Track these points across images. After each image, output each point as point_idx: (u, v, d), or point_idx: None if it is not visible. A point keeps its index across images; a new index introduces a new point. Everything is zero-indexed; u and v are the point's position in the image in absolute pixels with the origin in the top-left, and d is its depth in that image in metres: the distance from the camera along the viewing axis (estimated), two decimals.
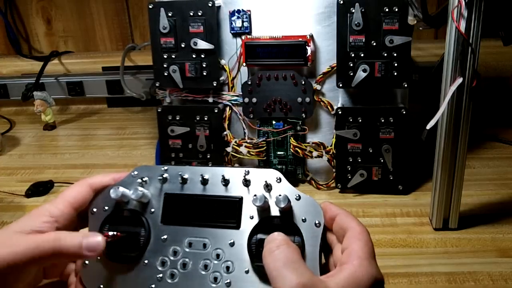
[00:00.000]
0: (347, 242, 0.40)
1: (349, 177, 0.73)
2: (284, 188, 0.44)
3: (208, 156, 0.78)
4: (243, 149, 0.75)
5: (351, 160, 0.72)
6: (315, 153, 0.74)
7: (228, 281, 0.42)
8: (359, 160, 0.72)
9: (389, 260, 0.59)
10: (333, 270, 0.39)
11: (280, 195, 0.42)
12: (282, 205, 0.42)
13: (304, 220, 0.42)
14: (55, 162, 0.92)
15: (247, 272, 0.42)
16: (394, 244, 0.62)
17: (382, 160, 0.71)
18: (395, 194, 0.73)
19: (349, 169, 0.73)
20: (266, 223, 0.43)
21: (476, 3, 0.53)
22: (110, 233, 0.43)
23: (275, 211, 0.43)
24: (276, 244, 0.38)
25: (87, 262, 0.45)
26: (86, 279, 0.45)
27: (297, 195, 0.43)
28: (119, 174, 0.48)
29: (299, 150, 0.74)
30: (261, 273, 0.41)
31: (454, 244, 0.61)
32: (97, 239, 0.42)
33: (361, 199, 0.73)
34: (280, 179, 0.44)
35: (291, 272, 0.36)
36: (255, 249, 0.42)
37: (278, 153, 0.77)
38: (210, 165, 0.76)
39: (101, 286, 0.45)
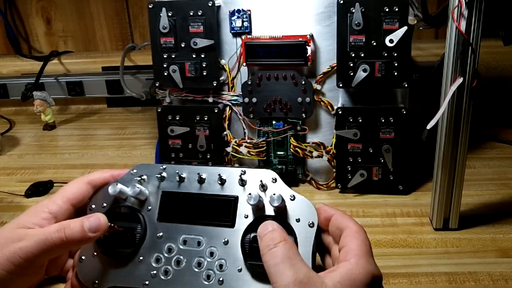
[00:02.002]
0: (344, 241, 0.40)
1: (349, 177, 0.73)
2: (279, 188, 0.44)
3: (208, 156, 0.78)
4: (243, 149, 0.75)
5: (351, 160, 0.72)
6: (315, 153, 0.74)
7: (221, 279, 0.43)
8: (359, 160, 0.72)
9: (389, 260, 0.59)
10: (331, 268, 0.39)
11: (274, 194, 0.42)
12: (276, 204, 0.42)
13: (298, 220, 0.43)
14: (54, 162, 0.92)
15: (240, 270, 0.43)
16: (394, 244, 0.62)
17: (382, 160, 0.71)
18: (395, 194, 0.73)
19: (349, 169, 0.73)
20: (260, 222, 0.43)
21: (477, 3, 0.53)
22: (110, 224, 0.44)
23: (269, 211, 0.44)
24: (274, 241, 0.39)
25: (83, 257, 0.46)
26: (82, 274, 0.46)
27: (292, 196, 0.44)
28: (118, 171, 0.49)
29: (299, 150, 0.74)
30: (254, 272, 0.42)
31: (454, 244, 0.61)
32: (98, 219, 0.42)
33: (361, 199, 0.73)
34: (275, 179, 0.45)
35: (288, 268, 0.37)
36: (249, 248, 0.42)
37: (278, 153, 0.77)
38: (210, 165, 0.76)
39: (96, 281, 0.45)
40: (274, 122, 0.75)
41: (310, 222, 0.43)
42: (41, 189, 0.79)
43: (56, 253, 0.43)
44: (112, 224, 0.44)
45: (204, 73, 0.73)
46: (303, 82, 0.72)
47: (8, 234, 0.41)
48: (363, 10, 0.66)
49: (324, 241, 0.44)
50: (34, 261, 0.41)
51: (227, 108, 0.76)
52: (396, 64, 0.67)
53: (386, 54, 0.67)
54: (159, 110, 0.77)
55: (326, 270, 0.38)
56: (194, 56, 0.73)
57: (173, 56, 0.74)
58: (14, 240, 0.40)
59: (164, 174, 0.47)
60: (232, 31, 0.73)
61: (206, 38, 0.72)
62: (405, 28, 0.65)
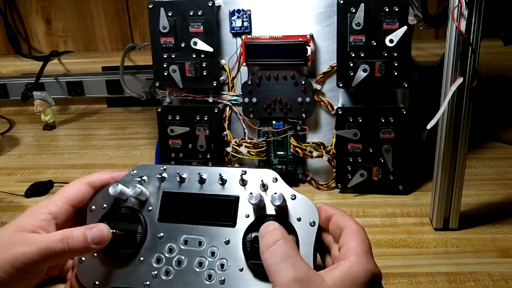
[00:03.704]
0: (344, 240, 0.40)
1: (349, 177, 0.73)
2: (280, 188, 0.45)
3: (208, 156, 0.77)
4: (243, 149, 0.75)
5: (351, 160, 0.72)
6: (315, 153, 0.74)
7: (222, 278, 0.43)
8: (359, 160, 0.72)
9: (389, 260, 0.59)
10: (331, 266, 0.39)
11: (275, 193, 0.42)
12: (277, 203, 0.42)
13: (299, 219, 0.43)
14: (54, 162, 0.92)
15: (241, 270, 0.43)
16: (394, 244, 0.62)
17: (382, 160, 0.71)
18: (395, 194, 0.73)
19: (349, 169, 0.73)
20: (262, 221, 0.43)
21: (477, 3, 0.53)
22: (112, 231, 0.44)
23: (270, 210, 0.44)
24: (273, 239, 0.39)
25: (83, 258, 0.46)
26: (82, 275, 0.46)
27: (293, 195, 0.44)
28: (118, 172, 0.49)
29: (299, 150, 0.74)
30: (255, 271, 0.42)
31: (454, 244, 0.61)
32: (101, 231, 0.43)
33: (361, 199, 0.73)
34: (276, 179, 0.45)
35: (288, 267, 0.36)
36: (250, 247, 0.42)
37: (278, 153, 0.77)
38: (210, 165, 0.76)
39: (97, 282, 0.45)
40: (274, 122, 0.75)
41: (311, 221, 0.43)
42: (41, 189, 0.79)
43: (57, 261, 0.43)
44: (114, 231, 0.44)
45: (204, 73, 0.73)
46: (303, 82, 0.72)
47: (9, 237, 0.41)
48: (366, 10, 0.66)
49: (324, 240, 0.44)
50: (35, 267, 0.41)
51: (227, 108, 0.76)
52: (396, 64, 0.67)
53: (386, 54, 0.67)
54: (159, 110, 0.77)
55: (326, 268, 0.38)
56: (194, 56, 0.73)
57: (173, 56, 0.74)
58: (15, 244, 0.40)
59: (164, 174, 0.47)
60: (232, 31, 0.73)
61: (206, 38, 0.72)
62: (404, 28, 0.65)
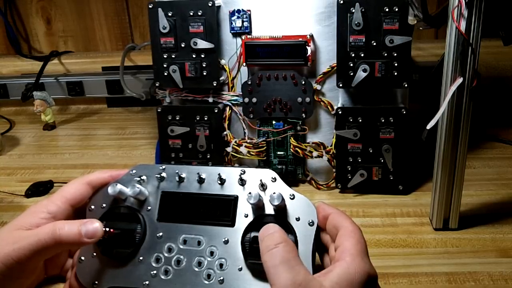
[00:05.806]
0: (339, 241, 0.41)
1: (349, 177, 0.73)
2: (279, 188, 0.45)
3: (208, 156, 0.78)
4: (243, 149, 0.75)
5: (351, 160, 0.72)
6: (315, 153, 0.74)
7: (221, 278, 0.43)
8: (359, 160, 0.72)
9: (389, 260, 0.59)
10: (327, 268, 0.39)
11: (274, 193, 0.43)
12: (276, 203, 0.42)
13: (297, 219, 0.43)
14: (55, 162, 0.92)
15: (240, 269, 0.43)
16: (394, 244, 0.62)
17: (382, 160, 0.71)
18: (395, 194, 0.73)
19: (349, 169, 0.73)
20: (260, 221, 0.43)
21: (477, 3, 0.53)
22: (105, 229, 0.44)
23: (269, 210, 0.44)
24: (275, 242, 0.39)
25: (82, 258, 0.46)
26: (81, 275, 0.46)
27: (292, 194, 0.44)
28: (117, 171, 0.49)
29: (299, 150, 0.74)
30: (254, 271, 0.42)
31: (454, 244, 0.61)
32: (95, 226, 0.43)
33: (361, 199, 0.73)
34: (275, 178, 0.45)
35: (287, 270, 0.37)
36: (249, 247, 0.42)
37: (278, 153, 0.77)
38: (210, 165, 0.76)
39: (96, 282, 0.45)
40: (274, 122, 0.75)
41: (310, 221, 0.43)
42: (41, 189, 0.79)
43: (49, 254, 0.42)
44: (108, 229, 0.44)
45: (204, 73, 0.73)
46: (303, 82, 0.72)
47: (5, 236, 0.41)
48: (363, 10, 0.66)
49: (322, 240, 0.44)
50: (27, 263, 0.40)
51: (227, 108, 0.76)
52: (396, 64, 0.67)
53: (386, 54, 0.67)
54: (159, 110, 0.77)
55: (322, 271, 0.38)
56: (194, 56, 0.73)
57: (173, 56, 0.74)
58: (9, 242, 0.40)
59: (163, 174, 0.47)
60: (232, 31, 0.73)
61: (206, 38, 0.72)
62: (408, 38, 0.65)
